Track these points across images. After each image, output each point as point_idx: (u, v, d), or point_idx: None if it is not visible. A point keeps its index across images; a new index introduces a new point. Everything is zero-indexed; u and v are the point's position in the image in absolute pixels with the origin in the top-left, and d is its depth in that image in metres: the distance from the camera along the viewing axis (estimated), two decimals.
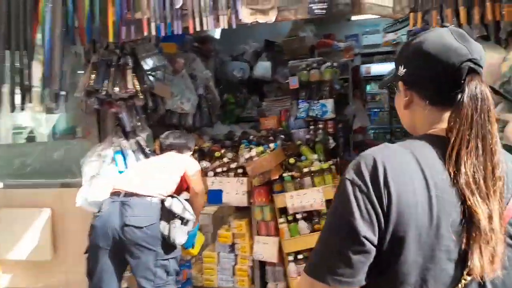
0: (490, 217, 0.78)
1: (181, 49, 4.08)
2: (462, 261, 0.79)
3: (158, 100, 3.52)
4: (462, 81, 0.86)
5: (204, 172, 3.30)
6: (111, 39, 3.02)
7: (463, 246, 0.79)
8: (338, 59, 4.71)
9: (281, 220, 3.04)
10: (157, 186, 2.62)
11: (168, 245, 2.52)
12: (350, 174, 0.82)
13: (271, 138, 3.40)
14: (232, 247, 3.24)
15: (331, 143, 3.58)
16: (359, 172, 0.81)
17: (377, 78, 7.30)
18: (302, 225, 2.97)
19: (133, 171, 2.88)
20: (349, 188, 0.80)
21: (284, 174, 3.05)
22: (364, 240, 0.77)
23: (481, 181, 0.80)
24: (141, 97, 3.22)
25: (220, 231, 3.26)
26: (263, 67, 5.46)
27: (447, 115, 0.88)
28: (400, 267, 0.78)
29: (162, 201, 2.57)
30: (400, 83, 0.97)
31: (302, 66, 3.79)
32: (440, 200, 0.79)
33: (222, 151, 3.43)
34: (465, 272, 0.79)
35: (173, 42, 3.95)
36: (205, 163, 3.38)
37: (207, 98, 3.87)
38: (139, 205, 2.50)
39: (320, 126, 3.62)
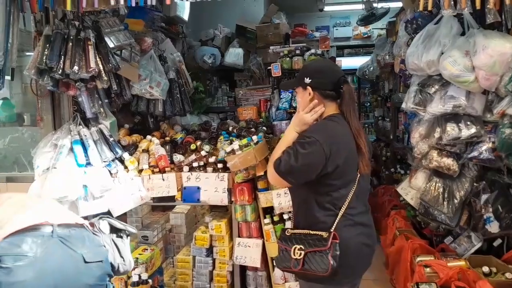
0: (364, 146, 1.78)
1: (148, 27, 3.63)
2: (357, 166, 1.78)
3: (123, 83, 3.08)
4: (342, 86, 1.82)
5: (178, 167, 2.92)
6: (68, 7, 2.55)
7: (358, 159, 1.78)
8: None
9: (266, 220, 2.73)
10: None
11: None
12: (321, 138, 1.69)
13: (253, 129, 3.06)
14: (209, 251, 2.89)
15: None
16: (326, 136, 1.71)
17: (348, 72, 7.16)
18: (290, 226, 2.67)
19: None
20: (324, 145, 1.68)
21: None
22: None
23: (359, 129, 1.81)
24: (105, 78, 2.77)
25: (196, 233, 2.89)
26: (234, 54, 5.10)
27: (334, 103, 1.84)
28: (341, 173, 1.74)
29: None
30: (307, 87, 1.83)
31: (284, 53, 3.49)
32: (352, 140, 1.78)
33: (198, 143, 3.05)
34: (358, 171, 1.77)
35: (140, 20, 3.49)
36: (179, 157, 2.99)
37: (179, 83, 3.45)
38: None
39: None
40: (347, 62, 7.04)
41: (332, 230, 1.69)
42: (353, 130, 1.77)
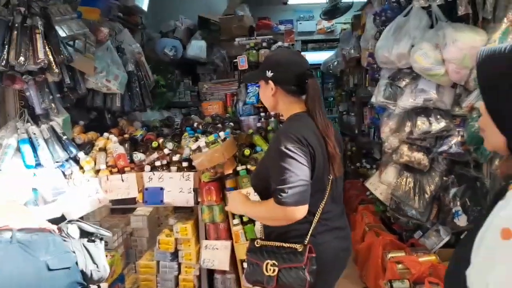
0: (333, 147, 1.57)
1: (105, 16, 3.38)
2: (328, 168, 1.59)
3: (77, 77, 2.83)
4: (306, 81, 1.60)
5: (138, 167, 2.73)
6: None
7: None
8: None
9: (235, 221, 2.60)
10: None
11: None
12: (289, 144, 1.47)
13: (219, 125, 2.91)
14: (174, 255, 2.72)
15: None
16: (294, 141, 1.48)
17: (312, 66, 7.12)
18: (260, 226, 2.55)
19: None
20: (295, 150, 1.47)
21: (239, 168, 2.60)
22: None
23: (327, 128, 1.58)
24: (56, 71, 2.53)
25: (160, 237, 2.71)
26: (197, 47, 4.91)
27: (299, 99, 1.64)
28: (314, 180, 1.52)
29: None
30: (269, 81, 1.64)
31: (251, 45, 3.36)
32: (321, 141, 1.56)
33: (160, 140, 2.86)
34: (330, 174, 1.59)
35: (95, 8, 3.24)
36: (140, 155, 2.79)
37: (139, 77, 3.24)
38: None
39: (272, 112, 3.23)
40: (311, 57, 7.00)
41: (306, 242, 1.54)
42: (321, 130, 1.57)
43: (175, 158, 2.68)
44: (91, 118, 3.23)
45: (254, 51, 3.30)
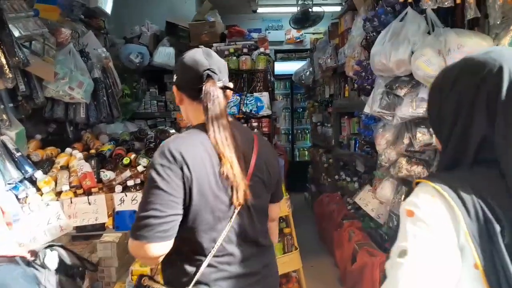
0: (232, 168, 1.23)
1: (66, 16, 3.01)
2: (228, 197, 1.25)
3: (34, 83, 2.45)
4: (203, 84, 1.30)
5: (108, 187, 2.37)
6: None
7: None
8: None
9: None
10: None
11: None
12: (158, 160, 1.20)
13: None
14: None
15: None
16: (164, 157, 1.19)
17: (281, 77, 6.98)
18: None
19: None
20: (160, 169, 1.18)
21: None
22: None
23: (225, 145, 1.26)
24: (10, 76, 2.15)
25: (133, 267, 2.35)
26: (165, 54, 4.61)
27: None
28: (197, 210, 1.22)
29: None
30: (174, 86, 1.40)
31: (230, 51, 3.11)
32: (216, 161, 1.24)
33: (132, 156, 2.52)
34: (232, 204, 1.26)
35: (55, 6, 2.87)
36: (109, 174, 2.44)
37: (106, 84, 2.88)
38: None
39: (254, 124, 2.98)
40: (280, 67, 6.88)
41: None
42: (217, 148, 1.24)
43: None
44: (50, 131, 2.83)
45: (234, 58, 3.05)
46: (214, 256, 1.25)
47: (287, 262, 2.74)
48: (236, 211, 1.26)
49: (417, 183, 0.90)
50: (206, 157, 1.23)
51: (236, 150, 1.27)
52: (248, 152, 1.33)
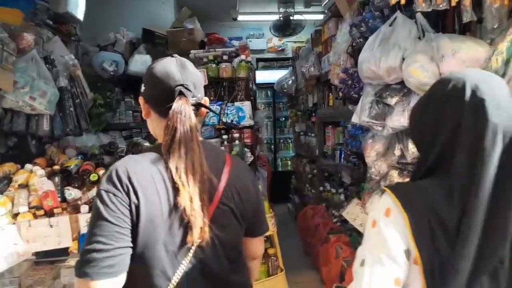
0: (191, 200, 1.05)
1: (29, 20, 2.77)
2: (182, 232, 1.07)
3: None
4: (174, 101, 1.12)
5: (73, 207, 2.14)
6: None
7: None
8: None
9: None
10: None
11: None
12: (103, 185, 1.03)
13: None
14: None
15: (249, 157, 2.80)
16: (109, 181, 1.03)
17: (263, 86, 6.83)
18: None
19: None
20: (105, 196, 1.01)
21: None
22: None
23: (189, 173, 1.07)
24: None
25: None
26: (141, 62, 4.38)
27: None
28: (146, 244, 1.03)
29: None
30: (140, 98, 1.22)
31: (209, 58, 2.93)
32: (171, 191, 1.06)
33: (101, 172, 2.30)
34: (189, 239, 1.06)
35: (17, 9, 2.63)
36: (74, 192, 2.21)
37: (73, 94, 2.65)
38: None
39: (236, 135, 2.79)
40: (262, 76, 6.74)
41: None
42: (177, 176, 1.06)
43: None
44: (10, 145, 2.57)
45: (214, 65, 2.87)
46: None
47: (272, 287, 2.54)
48: (194, 247, 1.08)
49: (384, 191, 0.99)
50: (161, 183, 1.06)
51: (201, 178, 1.09)
52: (216, 177, 1.14)
